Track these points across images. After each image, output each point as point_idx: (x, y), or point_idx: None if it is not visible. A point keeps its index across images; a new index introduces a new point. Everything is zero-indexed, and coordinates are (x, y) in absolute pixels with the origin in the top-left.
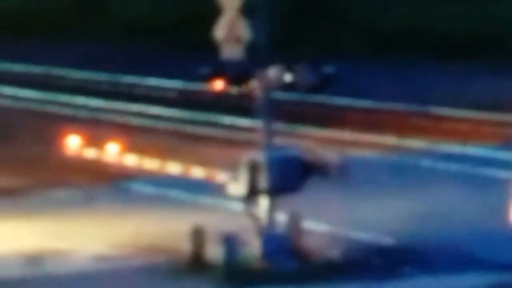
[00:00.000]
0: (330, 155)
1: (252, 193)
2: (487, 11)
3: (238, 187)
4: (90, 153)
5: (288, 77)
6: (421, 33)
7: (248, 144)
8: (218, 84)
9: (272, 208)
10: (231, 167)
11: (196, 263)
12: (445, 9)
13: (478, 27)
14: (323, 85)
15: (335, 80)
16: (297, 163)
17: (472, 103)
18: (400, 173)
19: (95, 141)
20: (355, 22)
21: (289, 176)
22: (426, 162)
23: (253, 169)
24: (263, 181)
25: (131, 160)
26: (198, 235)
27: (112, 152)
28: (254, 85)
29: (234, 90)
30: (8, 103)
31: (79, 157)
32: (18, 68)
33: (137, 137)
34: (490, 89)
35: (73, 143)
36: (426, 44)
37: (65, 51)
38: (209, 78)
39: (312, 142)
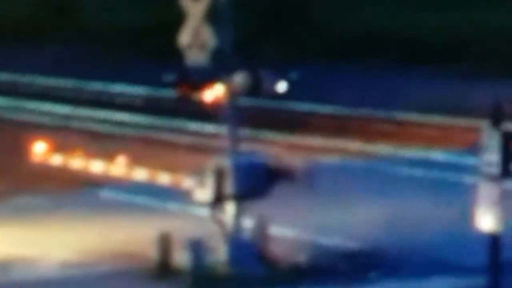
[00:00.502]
0: (296, 161)
1: (218, 199)
2: (458, 18)
3: (204, 192)
4: (57, 160)
5: (252, 83)
6: (388, 39)
7: (214, 151)
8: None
9: (239, 214)
10: (198, 173)
11: (163, 269)
12: (416, 15)
13: (446, 33)
14: (288, 91)
15: (298, 85)
16: (263, 169)
17: (437, 109)
18: (365, 179)
19: (62, 148)
20: (321, 27)
21: (255, 182)
22: (390, 167)
23: (219, 175)
24: (229, 187)
25: (98, 167)
26: (165, 241)
27: (78, 158)
28: (219, 91)
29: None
30: None
31: (46, 164)
32: None
33: (104, 143)
34: (456, 94)
35: (39, 149)
36: (393, 50)
37: (32, 57)
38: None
39: (277, 147)
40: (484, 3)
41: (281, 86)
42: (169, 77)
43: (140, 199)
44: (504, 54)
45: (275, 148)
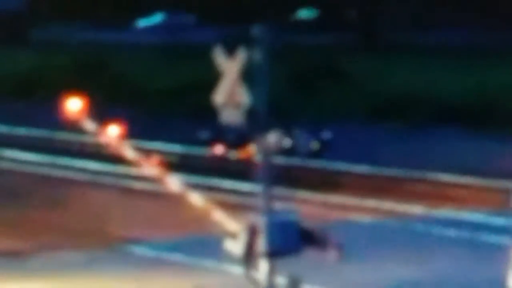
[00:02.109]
0: (330, 234)
1: (250, 255)
2: (487, 78)
3: (236, 246)
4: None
5: (287, 142)
6: (420, 99)
7: (248, 208)
8: (218, 149)
9: (272, 272)
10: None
11: None
12: (444, 75)
13: (481, 93)
14: (321, 150)
15: (333, 145)
16: (296, 227)
17: (469, 169)
18: (398, 238)
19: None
20: (354, 87)
21: (288, 240)
22: (422, 227)
23: (252, 231)
24: (262, 245)
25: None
26: None
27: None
28: (254, 150)
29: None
30: (10, 166)
31: (82, 221)
32: (20, 131)
33: (141, 201)
34: (487, 155)
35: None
36: (426, 109)
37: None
38: (209, 142)
39: (311, 206)
40: None
41: (315, 146)
42: (204, 135)
43: (174, 256)
44: None
45: (308, 206)
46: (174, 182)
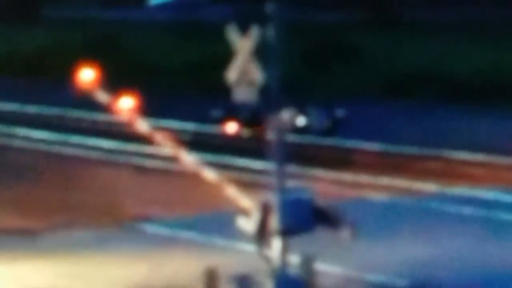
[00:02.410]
0: (343, 212)
1: (263, 233)
2: (501, 55)
3: (249, 224)
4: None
5: (300, 120)
6: (433, 76)
7: (260, 187)
8: (231, 127)
9: (285, 250)
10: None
11: None
12: (458, 52)
13: (494, 71)
14: (334, 128)
15: (346, 123)
16: (309, 206)
17: (483, 147)
18: (412, 216)
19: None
20: (367, 64)
21: (301, 218)
22: (437, 205)
23: (265, 210)
24: (275, 223)
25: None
26: (211, 277)
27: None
28: (267, 128)
29: (246, 132)
30: (22, 144)
31: (95, 199)
32: (31, 109)
33: (151, 178)
34: (501, 132)
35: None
36: (439, 87)
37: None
38: (222, 120)
39: (324, 184)
40: None
41: (328, 123)
42: (217, 114)
43: (186, 234)
44: None
45: (321, 184)
46: (188, 159)
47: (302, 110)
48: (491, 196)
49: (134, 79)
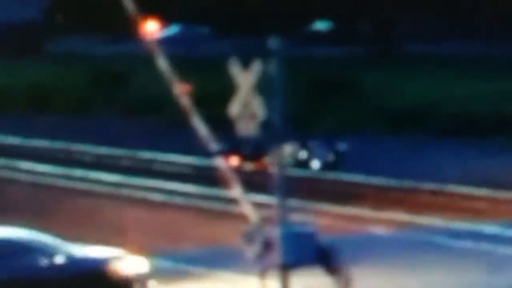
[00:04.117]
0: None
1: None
2: (499, 89)
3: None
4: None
5: (303, 154)
6: (435, 110)
7: (264, 220)
8: (234, 160)
9: (286, 283)
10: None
11: None
12: (459, 86)
13: (491, 105)
14: (337, 162)
15: (348, 156)
16: (312, 240)
17: (485, 181)
18: (414, 250)
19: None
20: (369, 99)
21: (303, 252)
22: (440, 239)
23: (267, 244)
24: (277, 256)
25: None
26: None
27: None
28: (269, 162)
29: (249, 166)
30: (27, 178)
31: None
32: (38, 143)
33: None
34: (503, 167)
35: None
36: (440, 121)
37: (84, 127)
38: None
39: (327, 218)
40: None
41: (331, 157)
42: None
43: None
44: None
45: (325, 218)
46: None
47: (304, 144)
48: (493, 230)
49: (141, 114)
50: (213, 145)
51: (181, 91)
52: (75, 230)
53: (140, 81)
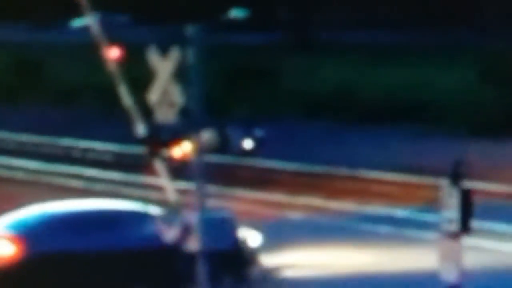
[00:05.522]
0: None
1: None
2: (414, 76)
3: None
4: None
5: (220, 141)
6: (350, 97)
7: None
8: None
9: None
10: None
11: None
12: (375, 74)
13: (408, 92)
14: (254, 148)
15: (266, 143)
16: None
17: (399, 166)
18: (326, 233)
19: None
20: (286, 86)
21: (220, 238)
22: (353, 223)
23: (186, 230)
24: (195, 242)
25: None
26: None
27: None
28: (187, 148)
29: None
30: None
31: None
32: None
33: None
34: (415, 152)
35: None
36: (355, 108)
37: (3, 115)
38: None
39: (244, 204)
40: (439, 65)
41: (248, 144)
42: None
43: None
44: (456, 114)
45: (242, 204)
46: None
47: (222, 130)
48: (404, 214)
49: (59, 101)
50: (134, 132)
51: (111, 57)
52: None
53: (60, 68)
